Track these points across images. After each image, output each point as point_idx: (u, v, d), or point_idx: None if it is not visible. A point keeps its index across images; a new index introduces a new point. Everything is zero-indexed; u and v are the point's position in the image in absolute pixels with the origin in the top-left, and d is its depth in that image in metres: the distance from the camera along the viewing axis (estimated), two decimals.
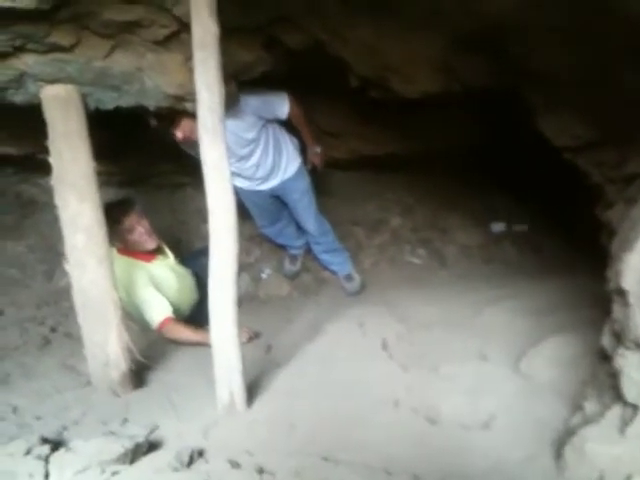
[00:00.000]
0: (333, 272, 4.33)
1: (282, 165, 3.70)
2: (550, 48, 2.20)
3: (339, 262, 4.24)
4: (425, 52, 2.64)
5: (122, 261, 3.17)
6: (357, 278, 4.22)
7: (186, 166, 3.60)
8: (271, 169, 3.66)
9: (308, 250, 4.43)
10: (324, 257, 4.25)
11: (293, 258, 4.45)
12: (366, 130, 4.22)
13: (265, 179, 3.70)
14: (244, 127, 3.31)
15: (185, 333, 3.18)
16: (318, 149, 3.78)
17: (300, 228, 4.20)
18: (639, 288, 1.68)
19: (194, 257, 3.69)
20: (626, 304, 1.71)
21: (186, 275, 3.55)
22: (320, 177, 4.58)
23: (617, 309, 1.80)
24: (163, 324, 3.13)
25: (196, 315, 3.41)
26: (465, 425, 2.09)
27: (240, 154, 3.42)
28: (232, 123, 3.12)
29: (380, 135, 4.24)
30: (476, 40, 2.42)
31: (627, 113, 2.16)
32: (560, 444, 1.83)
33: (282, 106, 3.44)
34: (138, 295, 3.14)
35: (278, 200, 3.97)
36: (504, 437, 1.97)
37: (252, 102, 3.28)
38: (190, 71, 2.18)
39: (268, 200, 3.92)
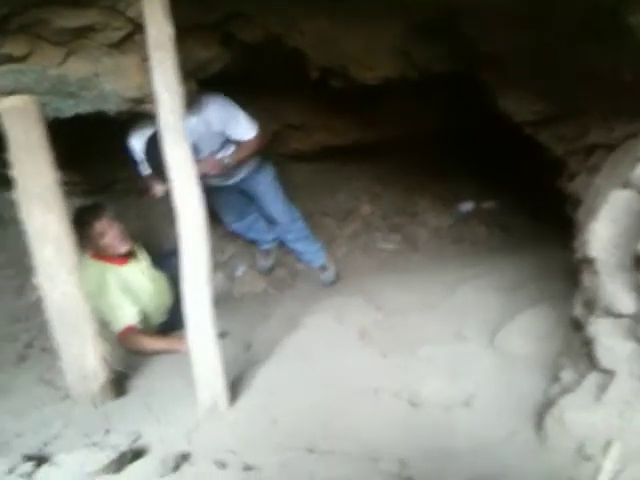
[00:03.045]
0: (307, 263, 4.33)
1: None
2: (503, 30, 2.22)
3: (312, 251, 4.25)
4: (383, 39, 2.65)
5: (95, 266, 3.13)
6: (332, 268, 4.23)
7: None
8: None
9: (281, 244, 4.42)
10: (297, 246, 4.25)
11: (266, 253, 4.44)
12: (330, 121, 4.22)
13: (230, 174, 3.67)
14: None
15: (146, 342, 3.14)
16: (227, 160, 3.51)
17: (270, 222, 4.18)
18: (606, 256, 1.72)
19: (166, 258, 3.65)
20: (595, 273, 1.75)
21: (160, 278, 3.51)
22: (287, 170, 4.57)
23: (586, 278, 1.84)
24: (123, 333, 3.09)
25: (173, 319, 3.38)
26: (447, 406, 2.11)
27: (210, 149, 3.38)
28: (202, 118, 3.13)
29: (344, 125, 4.24)
30: (432, 25, 2.43)
31: (582, 87, 2.20)
32: (540, 416, 1.86)
33: (249, 130, 3.37)
34: (106, 300, 3.09)
35: (245, 194, 3.94)
36: (485, 414, 2.00)
37: (220, 115, 3.24)
38: (148, 73, 2.15)
39: (235, 195, 3.90)
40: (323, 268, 4.23)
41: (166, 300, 3.49)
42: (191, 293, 2.22)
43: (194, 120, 3.06)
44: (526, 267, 3.15)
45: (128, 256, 3.36)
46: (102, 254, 3.21)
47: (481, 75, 2.64)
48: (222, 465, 1.84)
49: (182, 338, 3.16)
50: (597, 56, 1.97)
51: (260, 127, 3.40)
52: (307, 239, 4.22)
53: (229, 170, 3.54)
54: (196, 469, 1.83)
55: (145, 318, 3.24)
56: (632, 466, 1.50)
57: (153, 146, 3.02)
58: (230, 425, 2.18)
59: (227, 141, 3.42)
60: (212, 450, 1.98)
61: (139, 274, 3.37)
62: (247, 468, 1.80)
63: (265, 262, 4.45)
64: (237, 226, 4.21)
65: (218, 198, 3.87)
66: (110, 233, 3.20)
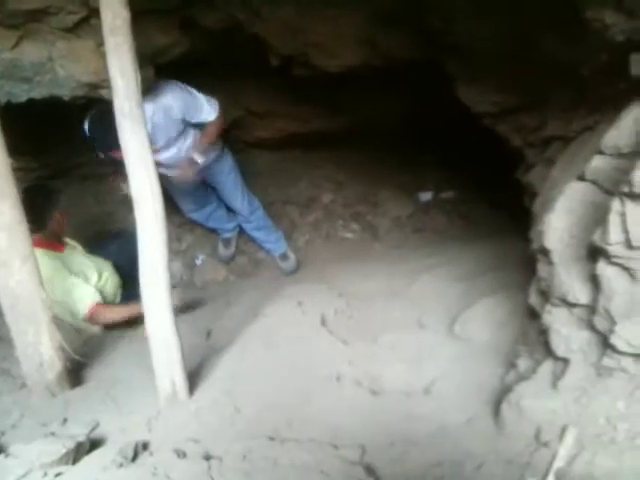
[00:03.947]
0: (268, 251, 4.32)
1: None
2: (466, 20, 2.24)
3: (273, 240, 4.24)
4: (347, 28, 2.65)
5: (38, 254, 3.05)
6: (292, 257, 4.23)
7: None
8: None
9: (241, 232, 4.40)
10: (257, 235, 4.24)
11: (226, 242, 4.41)
12: (293, 109, 4.20)
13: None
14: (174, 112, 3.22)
15: (116, 313, 3.15)
16: (199, 159, 3.47)
17: (230, 210, 4.15)
18: (562, 246, 1.75)
19: (103, 246, 3.59)
20: (550, 263, 1.79)
21: (103, 263, 3.43)
22: (249, 158, 4.54)
23: (542, 268, 1.88)
24: (92, 311, 3.05)
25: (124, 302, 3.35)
26: (407, 392, 2.15)
27: (167, 137, 3.32)
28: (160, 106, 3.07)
29: (307, 113, 4.23)
30: (396, 14, 2.44)
31: (543, 79, 2.24)
32: (498, 402, 1.90)
33: (212, 111, 3.30)
34: (61, 287, 3.01)
35: (204, 183, 3.90)
36: (445, 401, 2.04)
37: (180, 102, 3.17)
38: (103, 57, 2.10)
39: (194, 184, 3.84)
40: (283, 257, 4.22)
41: (112, 285, 3.42)
42: (148, 282, 2.19)
43: (150, 108, 2.99)
44: (485, 256, 3.21)
45: (63, 243, 3.29)
46: (46, 240, 3.12)
47: (444, 65, 2.66)
48: (182, 454, 1.83)
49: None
50: (558, 49, 2.01)
51: (220, 106, 3.35)
52: (267, 228, 4.21)
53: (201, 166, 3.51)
54: (155, 459, 1.81)
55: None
56: (587, 451, 1.55)
57: (94, 124, 2.97)
58: (191, 414, 2.17)
59: (185, 128, 3.37)
60: (172, 439, 1.97)
61: (80, 257, 3.30)
62: (208, 457, 1.80)
63: (226, 251, 4.41)
64: (196, 215, 4.17)
65: (177, 187, 3.81)
66: (57, 216, 3.13)
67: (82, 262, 3.26)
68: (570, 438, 1.60)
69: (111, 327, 3.20)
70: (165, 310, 2.20)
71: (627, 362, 1.53)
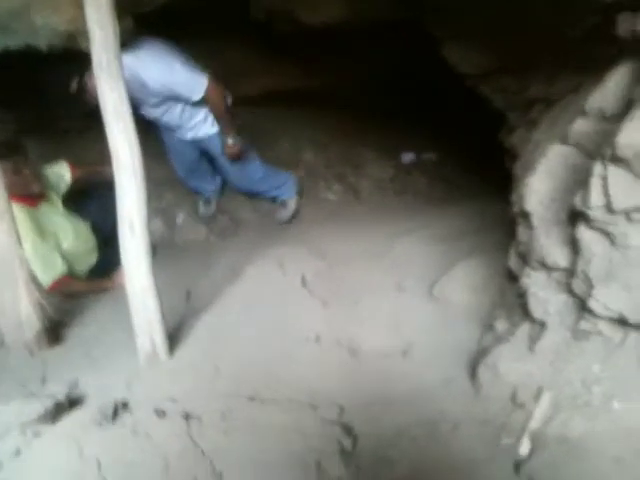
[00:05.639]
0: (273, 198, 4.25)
1: (191, 125, 3.52)
2: None
3: (276, 186, 4.14)
4: None
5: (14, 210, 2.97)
6: (291, 206, 4.17)
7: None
8: (178, 125, 3.50)
9: (222, 191, 4.35)
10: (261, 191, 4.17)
11: (207, 201, 4.36)
12: (275, 67, 4.12)
13: (179, 130, 3.57)
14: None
15: (80, 285, 3.16)
16: (231, 141, 3.46)
17: (215, 170, 4.11)
18: (542, 210, 1.76)
19: (82, 205, 3.52)
20: (530, 226, 1.80)
21: (79, 222, 3.37)
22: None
23: (522, 231, 1.89)
24: (56, 284, 2.97)
25: (103, 265, 3.31)
26: (386, 354, 2.17)
27: (149, 102, 3.24)
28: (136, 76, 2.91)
29: (289, 71, 4.15)
30: None
31: (527, 41, 2.21)
32: (474, 365, 1.93)
33: (194, 91, 3.12)
34: (29, 250, 2.94)
35: (203, 154, 3.86)
36: (422, 363, 2.06)
37: (155, 77, 2.97)
38: (82, 7, 2.03)
39: (190, 150, 3.79)
40: (283, 204, 4.17)
41: (88, 245, 3.37)
42: (127, 241, 2.16)
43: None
44: (465, 219, 3.21)
45: (40, 198, 3.21)
46: (13, 194, 3.05)
47: (428, 24, 2.61)
48: (162, 414, 1.84)
49: (114, 276, 3.15)
50: (545, 11, 1.97)
51: (211, 76, 3.15)
52: (268, 180, 4.08)
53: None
54: (135, 418, 1.82)
55: (69, 263, 3.13)
56: (562, 413, 1.58)
57: None
58: (171, 373, 2.18)
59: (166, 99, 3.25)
60: (152, 398, 1.98)
61: (57, 216, 3.23)
62: (187, 416, 1.81)
63: (206, 210, 4.36)
64: (183, 176, 4.13)
65: (175, 148, 3.78)
66: (25, 171, 3.05)
67: (57, 222, 3.18)
68: (546, 400, 1.64)
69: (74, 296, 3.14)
70: (144, 269, 2.19)
71: (603, 326, 1.55)
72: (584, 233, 1.56)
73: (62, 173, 3.42)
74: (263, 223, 4.30)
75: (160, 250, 3.97)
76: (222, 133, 3.46)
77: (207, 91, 3.12)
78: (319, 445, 1.67)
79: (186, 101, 3.24)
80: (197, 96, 3.13)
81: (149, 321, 2.23)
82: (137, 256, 2.18)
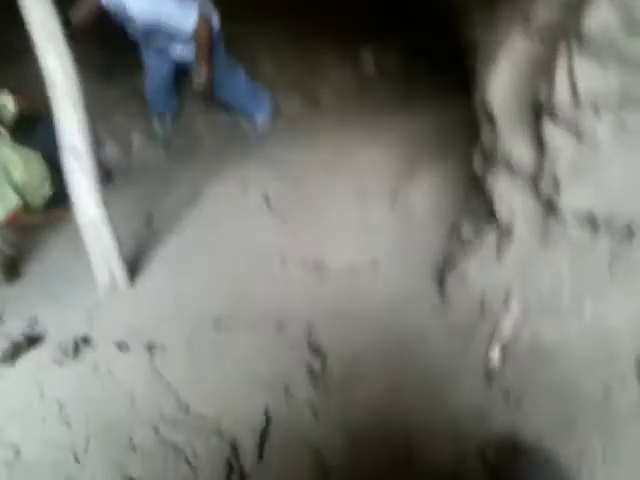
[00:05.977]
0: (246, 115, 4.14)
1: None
2: None
3: (255, 103, 4.07)
4: None
5: None
6: (261, 126, 4.09)
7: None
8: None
9: (179, 112, 4.17)
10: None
11: (163, 120, 4.17)
12: None
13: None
14: None
15: (34, 217, 3.01)
16: (202, 76, 3.35)
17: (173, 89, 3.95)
18: (505, 107, 1.66)
19: (30, 134, 3.33)
20: (493, 125, 1.70)
21: (29, 152, 3.19)
22: None
23: (485, 131, 1.79)
24: (9, 218, 2.83)
25: (58, 195, 3.17)
26: (352, 269, 2.12)
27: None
28: None
29: None
30: None
31: None
32: (442, 275, 1.89)
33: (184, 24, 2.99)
34: None
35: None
36: (389, 276, 2.02)
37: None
38: None
39: (168, 65, 3.63)
40: (253, 123, 4.10)
41: (40, 174, 3.21)
42: (71, 168, 2.03)
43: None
44: (430, 123, 3.10)
45: None
46: None
47: None
48: (125, 347, 1.79)
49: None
50: None
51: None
52: (247, 95, 3.99)
53: None
54: (97, 354, 1.76)
55: (23, 196, 2.98)
56: (532, 321, 1.55)
57: None
58: (132, 304, 2.11)
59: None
60: (114, 331, 1.92)
61: (2, 147, 3.05)
62: (151, 347, 1.76)
63: (163, 130, 4.18)
64: (154, 90, 3.93)
65: (154, 62, 3.62)
66: None
67: (5, 154, 3.01)
68: (515, 309, 1.60)
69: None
70: (92, 198, 2.07)
71: (572, 229, 1.49)
72: (550, 129, 1.46)
73: (4, 103, 3.20)
74: (222, 142, 4.14)
75: (117, 175, 3.86)
76: (196, 65, 3.31)
77: (197, 25, 3.01)
78: (286, 369, 1.63)
79: (175, 35, 3.10)
80: (187, 29, 3.01)
81: (105, 251, 2.14)
82: (83, 184, 2.06)
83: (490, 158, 1.79)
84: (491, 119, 1.74)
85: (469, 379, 1.59)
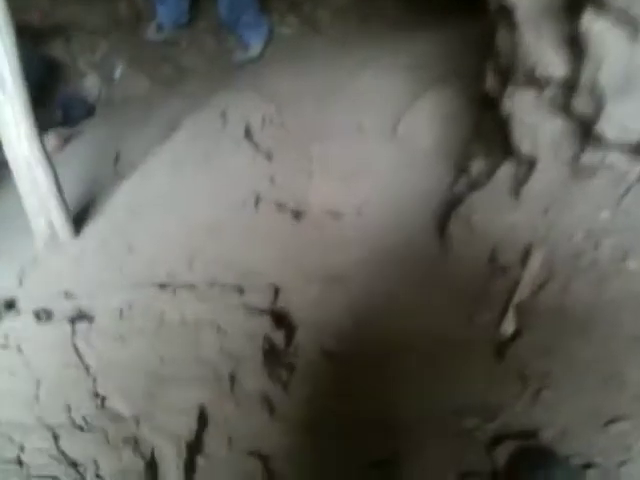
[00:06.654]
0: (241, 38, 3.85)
1: None
2: None
3: (254, 26, 3.79)
4: None
5: None
6: (253, 53, 3.74)
7: None
8: None
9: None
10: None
11: (160, 27, 3.81)
12: None
13: None
14: None
15: None
16: None
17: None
18: (528, 2, 1.23)
19: None
20: (513, 26, 1.27)
21: None
22: None
23: (502, 37, 1.37)
24: None
25: None
26: (336, 213, 1.76)
27: None
28: None
29: None
30: None
31: None
32: (444, 219, 1.51)
33: None
34: None
35: None
36: (380, 221, 1.67)
37: None
38: None
39: None
40: (245, 47, 3.76)
41: None
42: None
43: None
44: (437, 43, 2.68)
45: None
46: None
47: None
48: (47, 315, 1.44)
49: None
50: None
51: None
52: (248, 15, 3.73)
53: None
54: (11, 323, 1.42)
55: None
56: (558, 278, 1.20)
57: None
58: (72, 259, 1.77)
59: None
60: (43, 294, 1.59)
61: None
62: (77, 318, 1.41)
63: (156, 35, 3.83)
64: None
65: None
66: None
67: None
68: (536, 262, 1.26)
69: None
70: (24, 136, 1.72)
71: (616, 156, 1.10)
72: (592, 24, 1.03)
73: None
74: (210, 69, 3.80)
75: (97, 109, 3.56)
76: None
77: None
78: (238, 347, 1.27)
79: None
80: None
81: (42, 198, 1.80)
82: (13, 120, 1.71)
83: (508, 73, 1.37)
84: (510, 20, 1.30)
85: (475, 353, 1.26)
